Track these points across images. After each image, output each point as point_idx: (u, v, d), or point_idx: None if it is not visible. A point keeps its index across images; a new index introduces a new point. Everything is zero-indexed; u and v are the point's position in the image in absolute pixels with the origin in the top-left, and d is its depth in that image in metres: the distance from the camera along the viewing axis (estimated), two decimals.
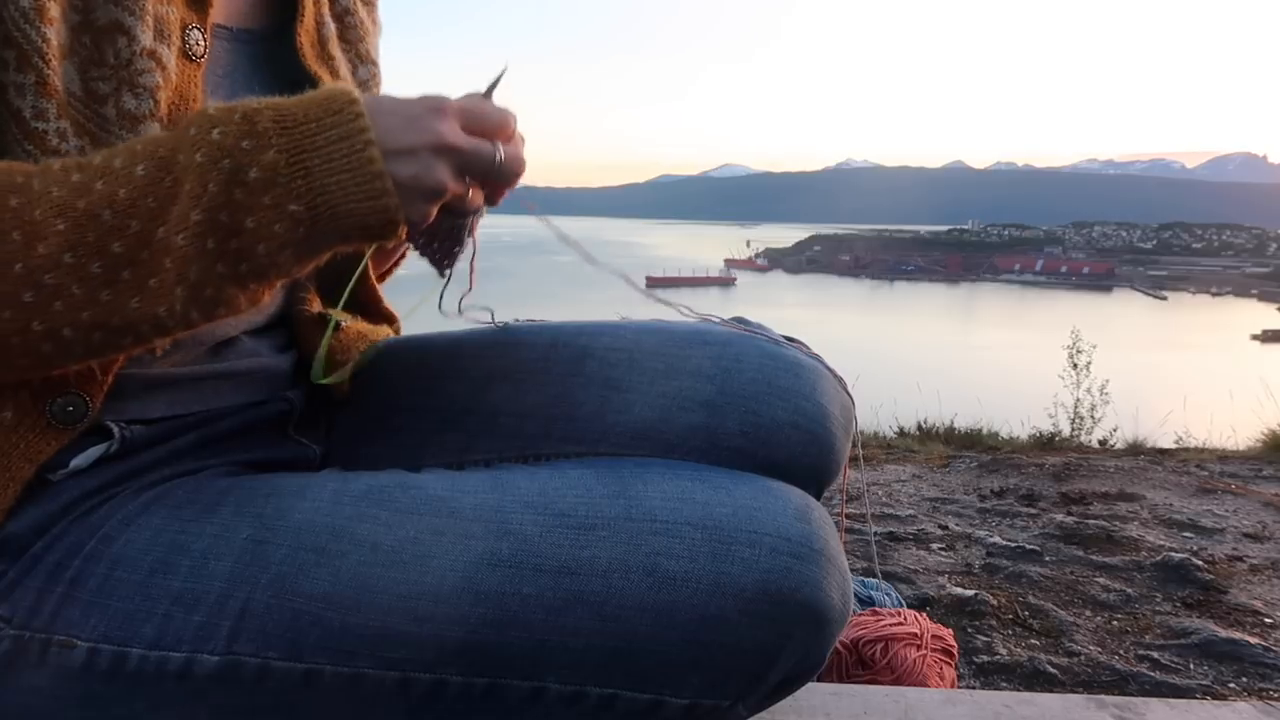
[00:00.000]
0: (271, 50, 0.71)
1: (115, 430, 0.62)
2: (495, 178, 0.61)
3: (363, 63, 0.79)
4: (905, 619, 1.17)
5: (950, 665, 1.16)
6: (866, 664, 1.12)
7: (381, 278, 0.87)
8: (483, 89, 0.61)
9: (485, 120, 0.59)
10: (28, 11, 0.54)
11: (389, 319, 0.85)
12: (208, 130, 0.52)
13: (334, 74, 0.75)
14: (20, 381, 0.57)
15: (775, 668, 0.58)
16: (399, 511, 0.59)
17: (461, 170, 0.58)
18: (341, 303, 0.71)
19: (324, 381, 0.71)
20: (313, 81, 0.70)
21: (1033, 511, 2.16)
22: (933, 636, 1.16)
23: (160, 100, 0.58)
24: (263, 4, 0.72)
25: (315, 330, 0.77)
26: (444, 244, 0.68)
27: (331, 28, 0.76)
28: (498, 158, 0.59)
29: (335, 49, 0.76)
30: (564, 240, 0.76)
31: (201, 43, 0.63)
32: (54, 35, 0.55)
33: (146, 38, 0.58)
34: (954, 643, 1.19)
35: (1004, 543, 1.88)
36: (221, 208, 0.51)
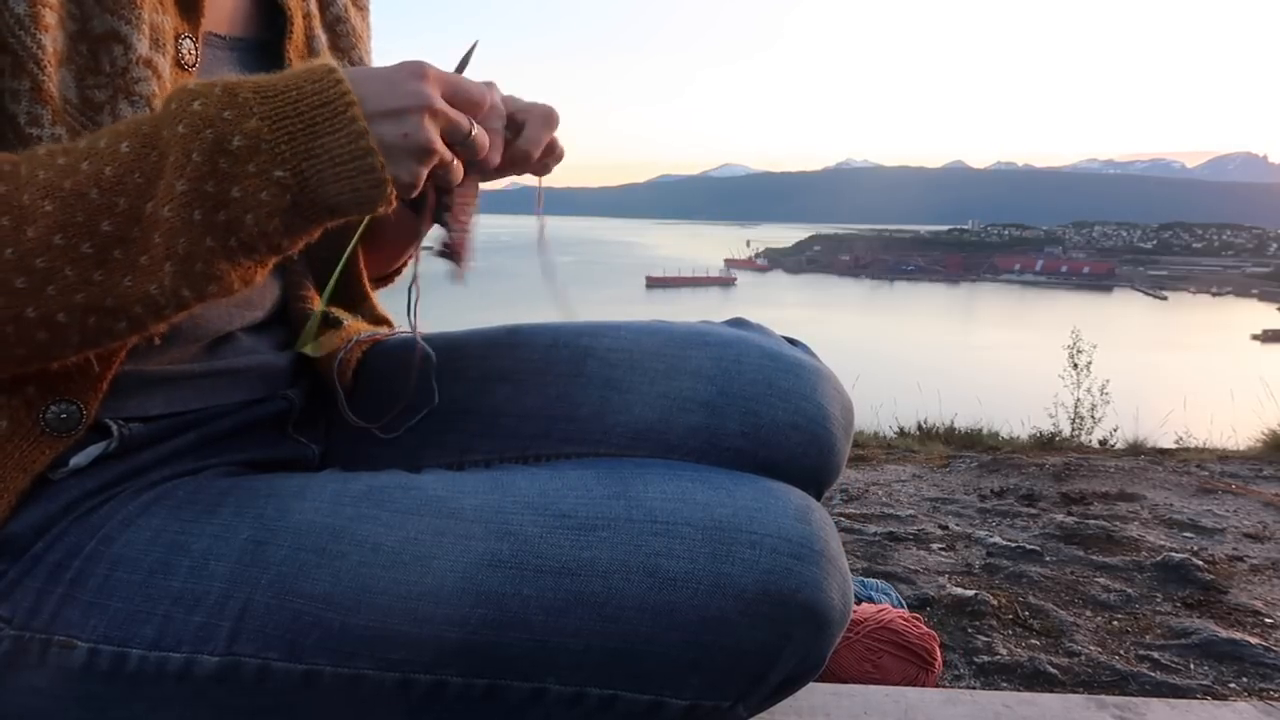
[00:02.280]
0: (265, 60, 0.71)
1: (113, 428, 0.61)
2: (463, 150, 0.60)
3: None
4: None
5: (908, 657, 1.16)
6: None
7: (384, 280, 0.86)
8: (454, 65, 0.62)
9: (466, 93, 0.59)
10: (23, 18, 0.53)
11: (382, 321, 0.85)
12: (189, 102, 0.52)
13: None
14: (13, 387, 0.57)
15: (776, 668, 0.58)
16: (399, 512, 0.59)
17: (443, 136, 0.58)
18: (331, 286, 0.70)
19: (307, 351, 0.72)
20: None
21: (1033, 511, 2.15)
22: (882, 627, 1.17)
23: (156, 108, 0.58)
24: (255, 14, 0.72)
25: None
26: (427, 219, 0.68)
27: (323, 39, 0.76)
28: (472, 131, 0.60)
29: (327, 59, 0.76)
30: (541, 244, 0.76)
31: (194, 51, 0.63)
32: (50, 42, 0.55)
33: (143, 46, 0.58)
34: (933, 644, 1.19)
35: (1004, 543, 1.88)
36: (207, 177, 0.51)
